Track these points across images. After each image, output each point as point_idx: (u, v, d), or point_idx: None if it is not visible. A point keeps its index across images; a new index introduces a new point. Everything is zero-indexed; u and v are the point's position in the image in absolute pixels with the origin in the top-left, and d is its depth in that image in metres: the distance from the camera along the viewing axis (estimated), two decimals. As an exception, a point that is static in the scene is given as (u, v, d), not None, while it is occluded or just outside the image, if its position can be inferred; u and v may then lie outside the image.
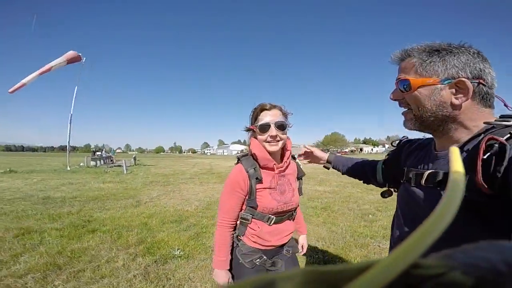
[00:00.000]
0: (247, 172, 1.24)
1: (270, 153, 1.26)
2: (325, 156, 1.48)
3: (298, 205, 1.45)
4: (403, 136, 1.10)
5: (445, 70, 0.70)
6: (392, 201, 0.95)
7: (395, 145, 1.09)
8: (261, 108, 1.26)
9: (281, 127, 1.24)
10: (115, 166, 16.92)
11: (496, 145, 0.60)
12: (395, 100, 0.85)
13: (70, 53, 15.38)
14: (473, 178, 0.62)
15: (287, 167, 1.35)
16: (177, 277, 2.46)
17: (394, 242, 0.91)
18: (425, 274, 0.11)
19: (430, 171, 0.76)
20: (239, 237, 1.30)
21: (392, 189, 1.10)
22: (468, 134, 0.73)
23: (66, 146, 17.56)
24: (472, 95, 0.68)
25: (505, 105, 0.73)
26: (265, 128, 1.23)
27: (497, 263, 0.11)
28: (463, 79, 0.68)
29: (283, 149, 1.33)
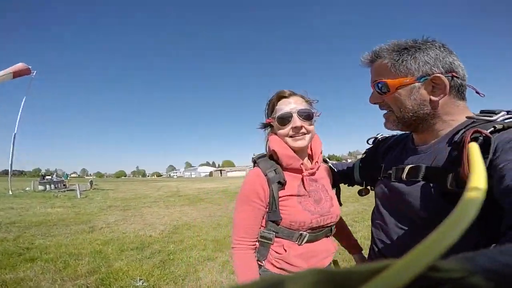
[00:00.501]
0: (266, 175, 0.96)
1: (295, 150, 0.99)
2: None
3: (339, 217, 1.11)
4: (378, 133, 1.11)
5: (418, 67, 0.70)
6: (368, 211, 0.89)
7: (371, 143, 1.10)
8: (279, 96, 1.01)
9: (307, 116, 0.98)
10: (67, 190, 15.29)
11: (481, 138, 0.60)
12: (374, 103, 0.83)
13: (18, 66, 13.90)
14: (458, 171, 0.62)
15: (318, 168, 1.07)
16: (140, 312, 2.01)
17: (377, 240, 0.89)
18: (444, 278, 0.11)
19: (411, 165, 0.76)
20: (259, 261, 0.98)
21: (368, 188, 1.10)
22: (446, 127, 0.74)
23: (7, 169, 15.60)
24: (448, 90, 0.69)
25: (476, 92, 0.74)
26: (285, 119, 0.97)
27: None
28: (438, 74, 0.68)
29: (312, 147, 1.09)
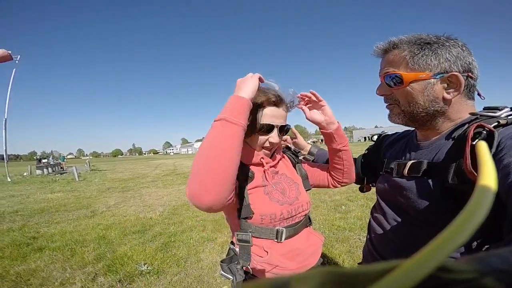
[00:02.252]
0: None
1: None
2: (307, 146, 1.34)
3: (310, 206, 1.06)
4: (383, 131, 1.11)
5: (438, 64, 0.68)
6: (372, 195, 0.93)
7: (375, 140, 1.10)
8: (268, 101, 0.91)
9: (283, 130, 0.99)
10: (65, 173, 15.40)
11: (484, 132, 0.60)
12: (381, 95, 0.82)
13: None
14: (461, 165, 0.62)
15: (279, 161, 1.06)
16: (147, 297, 2.21)
17: (373, 233, 0.91)
18: (455, 279, 0.11)
19: (413, 161, 0.77)
20: (244, 268, 0.93)
21: (370, 185, 1.11)
22: (451, 124, 0.74)
23: (3, 155, 15.51)
24: (462, 89, 0.69)
25: (478, 94, 0.75)
26: (267, 130, 0.93)
27: None
28: (456, 73, 0.67)
29: None
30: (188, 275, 2.57)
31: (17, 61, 14.67)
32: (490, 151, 0.56)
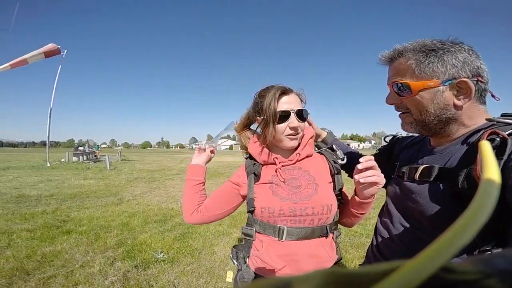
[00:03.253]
0: (246, 168, 1.04)
1: (285, 148, 0.99)
2: (322, 134, 1.29)
3: (337, 209, 0.98)
4: (397, 133, 1.09)
5: (445, 70, 0.67)
6: (382, 197, 0.91)
7: (388, 141, 1.09)
8: (280, 91, 0.94)
9: (301, 115, 0.96)
10: (98, 161, 16.36)
11: (498, 139, 0.59)
12: (391, 104, 0.81)
13: (49, 46, 14.48)
14: (472, 170, 0.61)
15: (302, 160, 1.03)
16: (160, 284, 2.25)
17: (379, 236, 0.89)
18: (458, 280, 0.11)
19: (425, 165, 0.76)
20: (245, 258, 1.01)
21: None
22: (465, 130, 0.73)
23: (45, 141, 16.87)
24: (473, 95, 0.68)
25: (492, 95, 0.73)
26: (285, 116, 0.93)
27: None
28: (465, 79, 0.66)
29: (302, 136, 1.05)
30: (200, 265, 2.62)
31: (63, 56, 15.80)
32: (502, 158, 0.56)
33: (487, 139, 0.60)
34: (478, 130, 0.69)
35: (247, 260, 1.00)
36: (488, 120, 0.68)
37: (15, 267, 2.36)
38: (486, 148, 0.19)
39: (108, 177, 9.26)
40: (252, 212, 0.96)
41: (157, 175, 10.15)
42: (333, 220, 0.97)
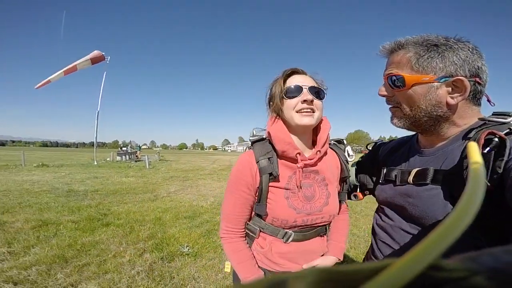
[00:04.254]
0: (258, 163, 0.88)
1: (299, 131, 0.90)
2: None
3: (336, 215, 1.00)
4: (379, 138, 1.08)
5: (443, 67, 0.65)
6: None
7: (370, 148, 1.07)
8: (291, 72, 0.90)
9: (318, 93, 0.87)
10: (139, 161, 17.49)
11: (496, 139, 0.57)
12: (383, 96, 0.78)
13: (94, 53, 16.02)
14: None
15: (320, 158, 0.94)
16: (181, 276, 2.35)
17: (380, 243, 0.85)
18: (446, 277, 0.11)
19: (418, 168, 0.74)
20: None
21: (361, 193, 1.06)
22: (457, 130, 0.71)
23: (92, 142, 18.52)
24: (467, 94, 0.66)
25: (488, 100, 0.71)
26: (295, 91, 0.86)
27: None
28: (461, 77, 0.64)
29: (316, 132, 0.95)
30: (221, 261, 2.69)
31: (107, 61, 17.23)
32: (503, 159, 0.55)
33: (484, 140, 0.58)
34: (470, 130, 0.67)
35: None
36: (481, 119, 0.67)
37: (57, 254, 2.62)
38: (473, 149, 0.18)
39: (146, 175, 9.85)
40: (261, 216, 0.90)
41: (191, 174, 10.57)
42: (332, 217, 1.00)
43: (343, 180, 1.00)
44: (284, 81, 0.89)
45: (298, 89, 0.86)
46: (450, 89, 0.66)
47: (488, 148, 0.57)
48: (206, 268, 2.51)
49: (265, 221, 0.91)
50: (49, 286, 2.07)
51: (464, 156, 0.63)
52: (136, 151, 22.87)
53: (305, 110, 0.85)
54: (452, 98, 0.67)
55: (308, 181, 0.91)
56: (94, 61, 16.19)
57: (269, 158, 0.88)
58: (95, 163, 14.44)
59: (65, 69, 14.91)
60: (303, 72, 0.92)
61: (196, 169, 12.93)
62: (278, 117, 0.92)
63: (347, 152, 1.04)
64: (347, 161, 1.01)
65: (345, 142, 1.09)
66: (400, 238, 0.77)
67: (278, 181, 0.88)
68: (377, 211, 0.93)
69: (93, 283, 2.14)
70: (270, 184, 0.88)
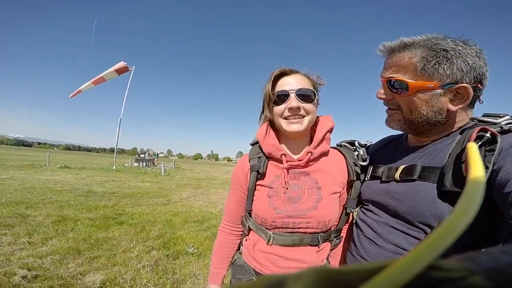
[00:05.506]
0: (250, 160, 0.93)
1: (290, 136, 0.89)
2: None
3: (335, 227, 0.92)
4: (367, 140, 1.03)
5: (450, 74, 0.63)
6: None
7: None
8: (279, 73, 0.87)
9: (307, 97, 0.83)
10: (154, 168, 17.96)
11: (488, 135, 0.57)
12: (381, 99, 0.76)
13: (120, 64, 16.91)
14: (460, 168, 0.59)
15: (315, 160, 0.90)
16: (183, 272, 2.47)
17: (364, 239, 0.82)
18: (445, 277, 0.11)
19: (405, 165, 0.73)
20: (239, 246, 1.04)
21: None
22: (449, 131, 0.71)
23: (113, 148, 19.24)
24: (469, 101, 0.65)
25: (478, 100, 0.70)
26: (281, 97, 0.84)
27: None
28: (466, 85, 0.63)
29: (315, 130, 0.92)
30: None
31: (132, 71, 18.05)
32: (493, 155, 0.55)
33: (476, 136, 0.58)
34: (463, 130, 0.67)
35: (242, 248, 1.00)
36: (472, 119, 0.68)
37: (72, 246, 2.80)
38: (473, 150, 0.18)
39: (161, 181, 10.14)
40: (249, 212, 0.95)
41: (203, 183, 10.78)
42: (334, 228, 0.92)
43: (350, 185, 0.91)
44: (274, 84, 0.87)
45: (285, 95, 0.83)
46: (452, 95, 0.65)
47: (479, 143, 0.57)
48: (207, 267, 2.61)
49: (251, 217, 0.94)
50: (59, 274, 2.23)
51: (454, 153, 0.63)
52: (153, 159, 23.55)
53: (292, 117, 0.84)
54: (453, 105, 0.65)
55: (296, 182, 0.88)
56: (120, 71, 17.05)
57: (259, 158, 0.92)
58: (114, 167, 14.99)
59: (94, 79, 15.93)
60: (292, 72, 0.88)
61: (209, 178, 13.17)
62: (269, 122, 0.93)
63: (360, 155, 0.94)
64: (356, 165, 0.91)
65: (358, 143, 0.99)
66: (387, 234, 0.74)
67: (264, 179, 0.90)
68: (361, 207, 0.89)
69: (100, 273, 2.28)
70: (258, 182, 0.91)
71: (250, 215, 0.94)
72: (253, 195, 0.92)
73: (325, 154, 0.92)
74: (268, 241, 0.87)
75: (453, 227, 0.13)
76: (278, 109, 0.85)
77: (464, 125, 0.69)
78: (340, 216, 0.92)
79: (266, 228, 0.88)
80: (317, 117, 0.93)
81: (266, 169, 0.90)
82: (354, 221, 0.93)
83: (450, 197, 0.61)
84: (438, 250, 0.12)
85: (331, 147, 0.95)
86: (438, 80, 0.63)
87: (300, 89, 0.83)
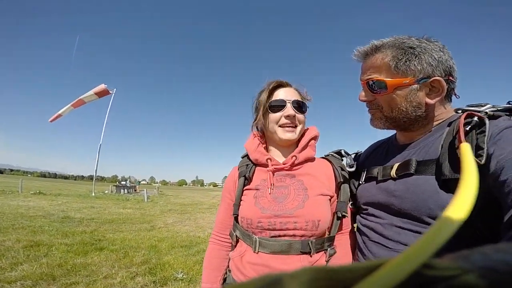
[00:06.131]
0: (239, 168, 0.97)
1: (282, 144, 0.94)
2: None
3: (329, 232, 0.87)
4: (358, 150, 1.06)
5: (421, 69, 0.67)
6: None
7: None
8: (276, 85, 0.93)
9: (300, 108, 0.91)
10: (137, 194, 17.22)
11: (475, 119, 0.59)
12: (364, 101, 0.79)
13: (100, 87, 16.39)
14: (455, 155, 0.59)
15: (300, 164, 0.92)
16: (173, 299, 2.21)
17: (370, 243, 0.78)
18: (438, 276, 0.11)
19: (400, 162, 0.73)
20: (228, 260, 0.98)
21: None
22: (436, 124, 0.73)
23: (91, 175, 18.30)
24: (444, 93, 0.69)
25: (454, 94, 0.74)
26: (279, 106, 0.90)
27: None
28: (439, 78, 0.67)
29: (298, 142, 0.97)
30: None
31: (113, 94, 17.62)
32: (484, 135, 0.56)
33: (464, 121, 0.60)
34: (450, 122, 0.69)
35: (230, 262, 0.92)
36: (457, 110, 0.70)
37: (45, 272, 2.50)
38: (466, 151, 0.19)
39: (144, 207, 9.66)
40: (235, 217, 0.92)
41: (189, 208, 10.37)
42: (325, 235, 0.85)
43: (338, 188, 0.90)
44: (269, 94, 0.92)
45: (282, 104, 0.89)
46: (427, 89, 0.69)
47: (469, 127, 0.59)
48: (200, 293, 2.36)
49: (238, 223, 0.89)
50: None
51: (446, 143, 0.64)
52: (135, 186, 22.68)
53: (287, 125, 0.90)
54: (430, 98, 0.69)
55: (282, 184, 0.89)
56: (100, 94, 16.48)
57: (247, 165, 0.95)
58: (93, 194, 14.24)
59: (73, 102, 15.47)
60: (287, 85, 0.95)
61: (195, 204, 12.69)
62: (257, 134, 0.99)
63: (346, 162, 0.96)
64: (343, 169, 0.92)
65: (344, 153, 1.00)
66: (395, 235, 0.71)
67: (250, 183, 0.92)
68: (359, 213, 0.86)
69: (80, 301, 2.01)
70: (245, 187, 0.92)
71: (238, 222, 0.90)
72: (240, 200, 0.91)
73: (310, 160, 0.94)
74: (255, 248, 0.81)
75: (447, 226, 0.13)
76: (275, 116, 0.90)
77: (450, 117, 0.72)
78: (332, 222, 0.87)
79: (253, 233, 0.84)
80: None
81: (253, 174, 0.93)
82: (356, 229, 0.89)
83: (452, 185, 0.61)
84: (432, 249, 0.12)
85: (318, 157, 0.99)
86: (412, 76, 0.67)
87: (296, 100, 0.91)
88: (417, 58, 0.67)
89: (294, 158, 0.90)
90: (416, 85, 0.68)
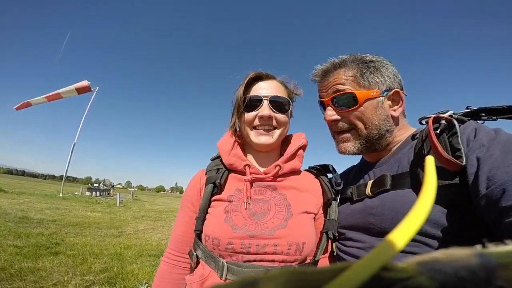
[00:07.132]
0: (207, 173, 0.81)
1: (258, 149, 0.80)
2: None
3: (315, 256, 0.73)
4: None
5: (384, 81, 0.68)
6: None
7: None
8: (254, 76, 0.79)
9: (280, 107, 0.76)
10: (109, 198, 16.35)
11: (443, 121, 0.59)
12: (332, 121, 0.73)
13: (82, 83, 15.24)
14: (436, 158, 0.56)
15: (285, 175, 0.79)
16: (132, 313, 1.94)
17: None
18: (395, 277, 0.12)
19: (374, 179, 0.70)
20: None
21: None
22: (399, 141, 0.72)
23: (62, 175, 17.03)
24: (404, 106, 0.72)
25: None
26: (253, 103, 0.75)
27: (460, 270, 0.12)
28: (398, 90, 0.69)
29: (284, 146, 0.84)
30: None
31: (95, 92, 16.72)
32: (457, 136, 0.55)
33: (433, 125, 0.59)
34: (414, 135, 0.69)
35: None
36: (420, 120, 0.68)
37: (-17, 276, 2.15)
38: (430, 163, 0.20)
39: (115, 212, 9.12)
40: (198, 234, 0.74)
41: (164, 215, 9.92)
42: (309, 260, 0.72)
43: (327, 205, 0.79)
44: (246, 88, 0.77)
45: (257, 101, 0.75)
46: (390, 102, 0.70)
47: (438, 131, 0.59)
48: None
49: (201, 242, 0.72)
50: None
51: (419, 153, 0.62)
52: (109, 189, 21.64)
53: (262, 128, 0.76)
54: (394, 110, 0.70)
55: (261, 197, 0.74)
56: (81, 91, 15.35)
57: (217, 169, 0.79)
58: (61, 195, 13.27)
59: (48, 94, 14.42)
60: (268, 77, 0.80)
61: (170, 211, 12.17)
62: (233, 132, 0.82)
63: (334, 179, 0.83)
64: (332, 186, 0.81)
65: (332, 168, 0.87)
66: None
67: (221, 193, 0.75)
68: (337, 240, 0.77)
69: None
70: (213, 197, 0.75)
71: (200, 240, 0.73)
72: (206, 212, 0.74)
73: (296, 172, 0.82)
74: (221, 274, 0.64)
75: (406, 231, 0.14)
76: (248, 116, 0.76)
77: (413, 131, 0.71)
78: (319, 244, 0.74)
79: (220, 255, 0.67)
80: (290, 135, 0.86)
81: (225, 181, 0.77)
82: (335, 256, 0.78)
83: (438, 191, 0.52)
84: (391, 252, 0.12)
85: (303, 169, 0.87)
86: (377, 88, 0.68)
87: (274, 96, 0.76)
88: (378, 71, 0.69)
89: (278, 168, 0.76)
90: (381, 98, 0.68)
